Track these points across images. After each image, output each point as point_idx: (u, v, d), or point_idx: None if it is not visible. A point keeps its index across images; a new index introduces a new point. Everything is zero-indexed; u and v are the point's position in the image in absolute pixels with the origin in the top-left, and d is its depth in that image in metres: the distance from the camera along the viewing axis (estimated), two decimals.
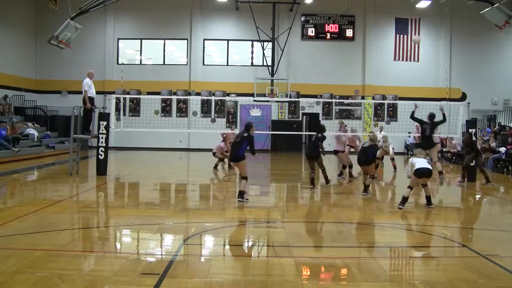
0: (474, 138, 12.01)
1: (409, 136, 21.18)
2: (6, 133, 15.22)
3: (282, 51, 22.09)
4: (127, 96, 21.69)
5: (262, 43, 21.84)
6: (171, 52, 24.12)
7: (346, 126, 12.95)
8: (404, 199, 7.85)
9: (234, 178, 12.22)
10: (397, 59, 23.25)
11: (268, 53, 22.17)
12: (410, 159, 8.34)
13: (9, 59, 20.45)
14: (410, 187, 7.96)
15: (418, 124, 11.37)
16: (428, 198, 8.11)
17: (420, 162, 7.99)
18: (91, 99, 11.63)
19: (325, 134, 10.52)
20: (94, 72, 12.47)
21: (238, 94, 22.22)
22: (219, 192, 10.21)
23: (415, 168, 7.91)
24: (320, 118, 23.14)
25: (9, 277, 4.09)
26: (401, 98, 22.15)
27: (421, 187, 8.30)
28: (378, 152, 11.85)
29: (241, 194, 8.08)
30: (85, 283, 4.02)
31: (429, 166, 8.03)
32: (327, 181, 10.42)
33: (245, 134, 8.22)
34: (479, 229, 6.88)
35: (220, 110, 23.18)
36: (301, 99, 22.30)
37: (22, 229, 5.89)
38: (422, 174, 7.83)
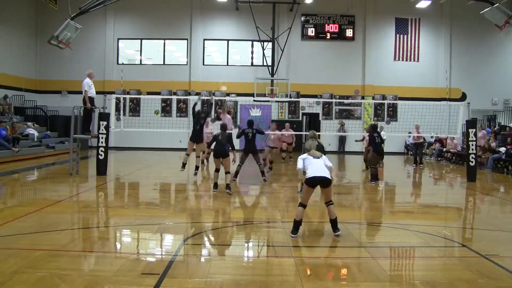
0: (376, 133, 11.49)
1: (409, 136, 21.19)
2: (6, 133, 15.23)
3: (282, 51, 22.09)
4: (127, 96, 21.71)
5: (262, 43, 21.84)
6: (171, 52, 24.13)
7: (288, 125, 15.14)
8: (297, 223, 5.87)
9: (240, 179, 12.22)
10: (397, 59, 23.27)
11: (268, 53, 22.17)
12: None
13: (9, 59, 20.46)
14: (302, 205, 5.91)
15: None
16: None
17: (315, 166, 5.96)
18: (91, 99, 11.63)
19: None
20: (94, 72, 12.47)
21: (238, 94, 22.22)
22: (219, 192, 10.21)
23: (307, 176, 5.90)
24: (320, 118, 23.16)
25: (9, 277, 4.09)
26: (401, 98, 22.16)
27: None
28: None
29: (229, 186, 9.22)
30: (85, 283, 4.02)
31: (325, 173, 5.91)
32: (263, 174, 11.10)
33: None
34: (479, 229, 6.88)
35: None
36: (301, 99, 22.30)
37: (22, 229, 5.89)
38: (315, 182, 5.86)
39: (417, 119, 15.77)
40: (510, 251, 5.50)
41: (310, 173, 5.87)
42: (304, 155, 6.21)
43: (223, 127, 9.64)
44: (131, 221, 6.84)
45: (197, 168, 11.58)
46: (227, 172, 9.30)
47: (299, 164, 6.12)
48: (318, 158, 6.07)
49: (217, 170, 9.44)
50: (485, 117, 22.33)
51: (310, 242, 5.81)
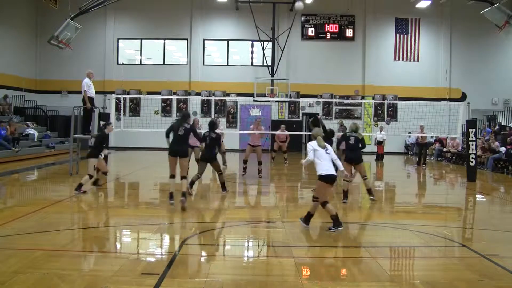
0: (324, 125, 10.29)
1: (409, 136, 21.21)
2: (6, 133, 15.22)
3: (282, 51, 22.08)
4: (127, 96, 21.69)
5: (262, 43, 21.84)
6: (171, 52, 24.12)
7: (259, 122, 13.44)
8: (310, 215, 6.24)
9: (234, 178, 12.22)
10: (397, 59, 23.26)
11: (268, 53, 22.16)
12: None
13: (9, 59, 20.44)
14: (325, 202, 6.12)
15: None
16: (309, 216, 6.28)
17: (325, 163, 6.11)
18: (91, 99, 11.62)
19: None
20: (94, 72, 12.46)
21: (238, 94, 22.22)
22: (219, 192, 10.20)
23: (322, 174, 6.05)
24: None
25: (9, 277, 4.08)
26: (401, 98, 22.14)
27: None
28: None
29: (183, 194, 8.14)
30: (85, 283, 4.02)
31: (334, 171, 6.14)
32: (224, 187, 9.16)
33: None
34: (479, 229, 6.88)
35: (220, 110, 23.19)
36: (301, 99, 22.29)
37: (22, 229, 5.88)
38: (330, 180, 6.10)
39: (417, 119, 15.76)
40: (510, 251, 5.50)
41: (325, 170, 6.00)
42: (314, 144, 6.20)
43: (184, 116, 8.14)
44: (131, 221, 6.84)
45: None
46: (183, 177, 8.00)
47: (310, 156, 6.15)
48: (326, 149, 6.17)
49: (172, 176, 8.01)
50: (485, 117, 22.32)
51: (310, 242, 5.81)
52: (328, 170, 6.01)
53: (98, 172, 9.45)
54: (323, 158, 6.07)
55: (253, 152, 12.28)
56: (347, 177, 7.97)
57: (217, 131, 8.97)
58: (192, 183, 8.91)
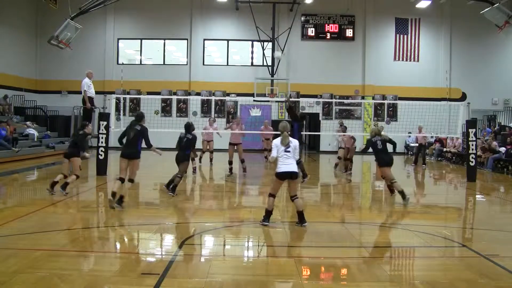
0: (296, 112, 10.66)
1: (409, 136, 21.21)
2: (6, 133, 15.22)
3: (282, 51, 22.07)
4: (127, 96, 21.68)
5: (262, 43, 21.83)
6: (171, 52, 24.12)
7: (238, 119, 13.69)
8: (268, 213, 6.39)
9: (234, 178, 12.22)
10: (397, 59, 23.25)
11: (268, 53, 22.15)
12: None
13: (9, 59, 20.44)
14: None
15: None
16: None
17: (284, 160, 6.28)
18: (91, 99, 11.63)
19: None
20: (94, 72, 12.48)
21: (238, 94, 22.22)
22: (219, 192, 10.21)
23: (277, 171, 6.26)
24: (320, 118, 23.15)
25: (9, 277, 4.08)
26: (401, 98, 22.14)
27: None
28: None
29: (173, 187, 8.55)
30: (85, 283, 4.02)
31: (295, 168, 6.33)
32: (174, 190, 8.89)
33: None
34: (479, 229, 6.88)
35: (220, 110, 23.19)
36: (301, 99, 22.29)
37: (22, 229, 5.88)
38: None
39: (417, 119, 15.76)
40: (510, 251, 5.50)
41: (280, 168, 6.20)
42: (278, 141, 6.36)
43: (138, 117, 7.86)
44: (131, 221, 6.84)
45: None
46: (130, 180, 7.79)
47: (273, 153, 6.35)
48: (288, 147, 6.25)
49: (121, 179, 7.66)
50: (485, 117, 22.33)
51: (310, 242, 5.81)
52: (281, 167, 6.19)
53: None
54: (281, 155, 6.23)
55: (235, 151, 12.48)
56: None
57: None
58: (170, 184, 8.98)
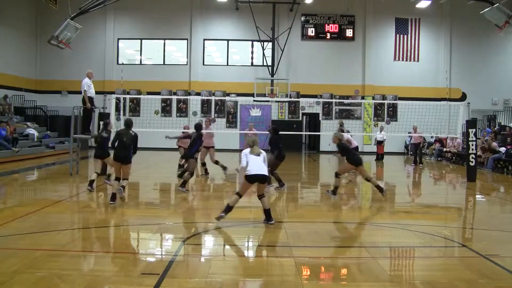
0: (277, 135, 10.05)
1: (409, 137, 21.21)
2: (6, 133, 15.22)
3: (282, 51, 22.08)
4: (127, 96, 21.70)
5: (262, 43, 21.83)
6: (171, 52, 24.12)
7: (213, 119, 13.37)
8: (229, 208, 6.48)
9: (234, 178, 12.21)
10: (397, 59, 23.26)
11: (268, 53, 22.16)
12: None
13: (9, 59, 20.44)
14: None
15: None
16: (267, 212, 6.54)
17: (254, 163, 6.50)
18: (91, 99, 11.62)
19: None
20: (94, 72, 12.45)
21: (238, 94, 22.22)
22: (219, 192, 10.21)
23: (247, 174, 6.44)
24: (320, 118, 23.15)
25: (9, 277, 4.08)
26: (401, 98, 22.15)
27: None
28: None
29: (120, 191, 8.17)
30: (85, 283, 4.02)
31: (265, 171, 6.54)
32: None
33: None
34: (479, 229, 6.88)
35: (220, 110, 23.19)
36: (301, 99, 22.29)
37: (22, 229, 5.88)
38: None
39: (417, 119, 15.79)
40: (510, 251, 5.50)
41: (250, 171, 6.40)
42: (247, 152, 6.59)
43: (128, 124, 8.09)
44: (131, 221, 6.84)
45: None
46: (124, 179, 7.96)
47: (243, 162, 6.52)
48: (259, 155, 6.54)
49: (117, 179, 7.96)
50: (485, 117, 22.33)
51: (310, 242, 5.81)
52: (252, 170, 6.39)
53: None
54: (252, 162, 6.46)
55: (207, 153, 12.34)
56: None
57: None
58: (185, 182, 9.37)
